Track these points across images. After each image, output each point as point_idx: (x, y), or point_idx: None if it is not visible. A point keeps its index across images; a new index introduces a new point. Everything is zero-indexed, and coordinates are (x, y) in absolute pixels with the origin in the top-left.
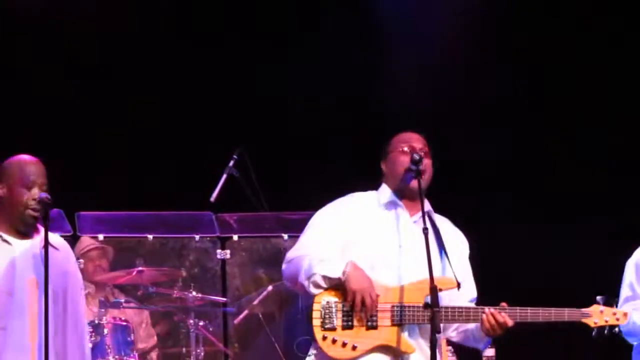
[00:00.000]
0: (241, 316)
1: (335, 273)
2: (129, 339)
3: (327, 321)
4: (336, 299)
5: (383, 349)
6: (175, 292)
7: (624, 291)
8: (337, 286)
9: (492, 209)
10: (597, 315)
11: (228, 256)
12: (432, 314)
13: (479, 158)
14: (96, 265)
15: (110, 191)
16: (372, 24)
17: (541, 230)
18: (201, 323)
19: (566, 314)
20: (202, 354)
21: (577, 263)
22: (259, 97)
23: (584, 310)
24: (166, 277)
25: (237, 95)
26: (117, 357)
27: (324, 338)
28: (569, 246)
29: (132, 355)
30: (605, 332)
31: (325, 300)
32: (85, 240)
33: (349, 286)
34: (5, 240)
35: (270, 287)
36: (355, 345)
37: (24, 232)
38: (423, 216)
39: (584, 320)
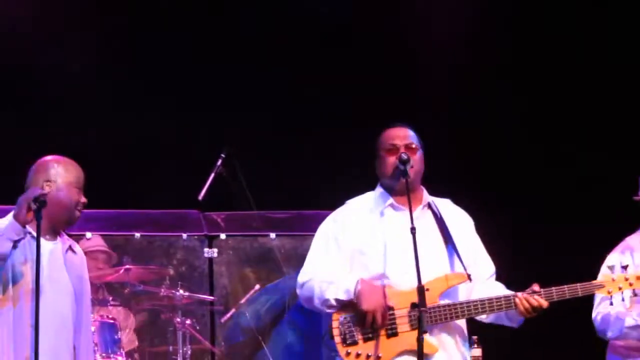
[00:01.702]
0: (228, 315)
1: (347, 295)
2: (116, 337)
3: (348, 337)
4: (352, 314)
5: (407, 353)
6: (162, 290)
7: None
8: (352, 302)
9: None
10: (609, 284)
11: (215, 255)
12: (419, 315)
13: None
14: (98, 267)
15: (98, 189)
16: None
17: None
18: (188, 321)
19: (579, 288)
20: (189, 352)
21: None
22: (246, 95)
23: (596, 282)
24: (153, 275)
25: (224, 93)
26: (104, 354)
27: (348, 354)
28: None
29: (119, 352)
30: (622, 298)
31: (342, 317)
32: (96, 240)
33: (360, 307)
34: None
35: (257, 286)
36: (379, 355)
37: (57, 233)
38: (410, 214)
39: (598, 291)
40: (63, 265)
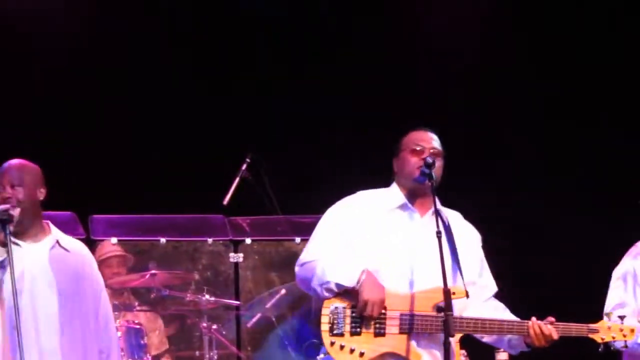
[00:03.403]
0: (254, 319)
1: (350, 282)
2: (142, 342)
3: (335, 327)
4: (344, 305)
5: (391, 356)
6: (188, 295)
7: (613, 301)
8: (348, 292)
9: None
10: (604, 331)
11: (241, 259)
12: (445, 318)
13: None
14: (114, 272)
15: (124, 194)
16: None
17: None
18: (214, 326)
19: (573, 329)
20: (215, 357)
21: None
22: (271, 100)
23: (592, 325)
24: (179, 280)
25: (250, 98)
26: (130, 359)
27: (332, 344)
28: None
29: (145, 358)
30: (612, 347)
31: (333, 305)
32: (107, 246)
33: (361, 295)
34: (16, 243)
35: (282, 290)
36: (363, 351)
37: (36, 233)
38: (437, 219)
39: (591, 335)
40: (48, 266)
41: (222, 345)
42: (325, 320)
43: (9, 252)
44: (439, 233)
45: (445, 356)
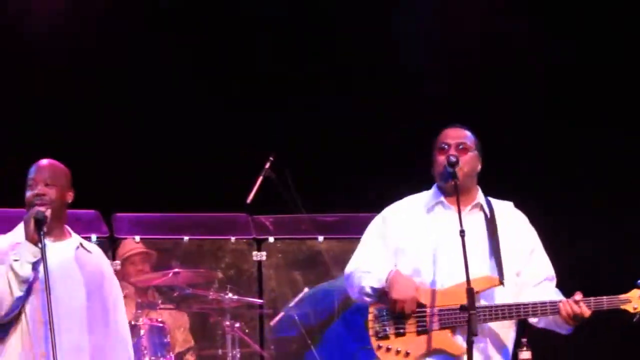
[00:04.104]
0: (277, 318)
1: (379, 283)
2: (165, 340)
3: (380, 330)
4: (387, 308)
5: (436, 352)
6: (211, 293)
7: None
8: (386, 294)
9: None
10: (636, 300)
11: (264, 258)
12: (468, 317)
13: None
14: (138, 269)
15: (147, 192)
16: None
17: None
18: (237, 325)
19: (605, 302)
20: (238, 355)
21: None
22: (294, 98)
23: (622, 296)
24: (202, 278)
25: (273, 94)
26: (153, 358)
27: (379, 347)
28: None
29: (167, 356)
30: None
31: (376, 310)
32: (129, 244)
33: (390, 295)
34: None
35: (306, 289)
36: (408, 351)
37: (61, 232)
38: (460, 217)
39: (623, 306)
40: (75, 263)
41: (245, 343)
42: (370, 325)
43: (42, 252)
44: (462, 232)
45: (468, 355)
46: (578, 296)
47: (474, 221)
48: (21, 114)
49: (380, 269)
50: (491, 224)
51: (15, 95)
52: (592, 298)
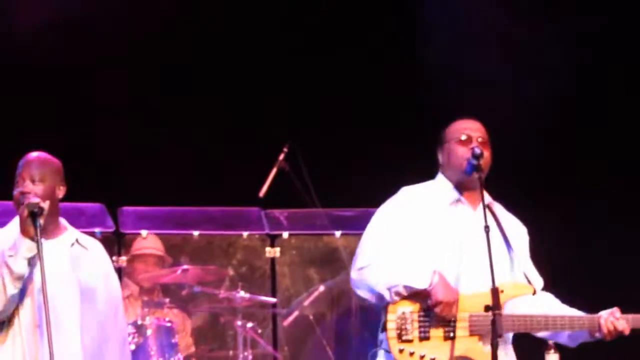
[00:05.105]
0: (291, 318)
1: (422, 284)
2: (172, 340)
3: (403, 333)
4: (411, 309)
5: (462, 359)
6: (221, 292)
7: None
8: (414, 295)
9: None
10: None
11: (278, 254)
12: (493, 317)
13: None
14: (147, 270)
15: (155, 186)
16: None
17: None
18: (249, 325)
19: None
20: (250, 357)
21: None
22: (309, 89)
23: None
24: (212, 276)
25: (287, 87)
26: (160, 359)
27: (401, 351)
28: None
29: (176, 357)
30: None
31: (400, 310)
32: (152, 241)
33: (435, 296)
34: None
35: (321, 287)
36: (433, 357)
37: (56, 229)
38: (484, 212)
39: None
40: (68, 263)
41: (258, 344)
42: (392, 327)
43: (38, 247)
44: (486, 228)
45: (493, 356)
46: (617, 313)
47: (489, 221)
48: (26, 103)
49: (417, 266)
50: (501, 225)
51: (22, 83)
52: (629, 315)
